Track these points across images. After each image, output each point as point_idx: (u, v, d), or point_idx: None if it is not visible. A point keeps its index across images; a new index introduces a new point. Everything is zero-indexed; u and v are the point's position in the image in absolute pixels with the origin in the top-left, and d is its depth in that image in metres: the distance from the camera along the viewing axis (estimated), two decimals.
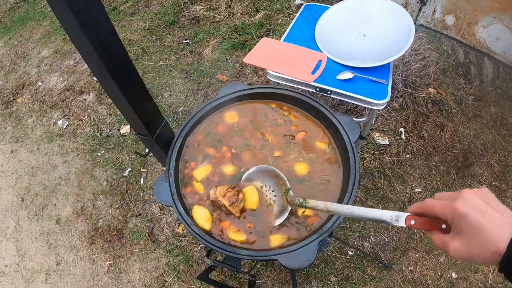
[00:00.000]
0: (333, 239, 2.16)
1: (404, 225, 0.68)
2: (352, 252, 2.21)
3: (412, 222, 0.67)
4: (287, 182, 1.08)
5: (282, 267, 2.13)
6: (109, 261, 2.25)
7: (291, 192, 1.07)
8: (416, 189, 2.37)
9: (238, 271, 1.16)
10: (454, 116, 2.57)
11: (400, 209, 2.26)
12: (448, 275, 2.08)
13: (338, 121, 1.20)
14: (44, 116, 2.82)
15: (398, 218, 0.69)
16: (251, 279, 1.37)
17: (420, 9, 2.92)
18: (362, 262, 2.17)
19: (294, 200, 1.01)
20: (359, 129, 1.22)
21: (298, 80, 1.62)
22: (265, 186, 1.14)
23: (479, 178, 2.36)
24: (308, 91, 1.66)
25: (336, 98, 1.64)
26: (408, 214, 0.68)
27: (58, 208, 2.46)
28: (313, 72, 1.64)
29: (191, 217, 1.09)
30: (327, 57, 1.71)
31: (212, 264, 1.38)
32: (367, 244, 2.22)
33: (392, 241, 2.23)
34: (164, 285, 2.15)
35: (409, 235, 2.23)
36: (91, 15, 0.90)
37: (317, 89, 1.61)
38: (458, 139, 2.49)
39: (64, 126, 2.70)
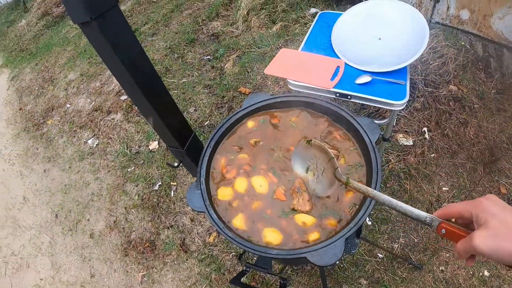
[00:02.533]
0: (362, 241, 2.16)
1: (435, 231, 0.69)
2: (382, 254, 2.20)
3: (443, 231, 0.68)
4: (332, 155, 1.08)
5: (313, 271, 2.16)
6: (143, 272, 2.32)
7: (338, 169, 1.07)
8: (444, 188, 2.34)
9: (269, 272, 1.20)
10: (477, 112, 2.54)
11: (428, 210, 2.24)
12: (481, 274, 2.05)
13: (358, 122, 1.23)
14: (74, 136, 2.95)
15: (432, 221, 0.70)
16: (282, 281, 1.41)
17: (434, 6, 2.92)
18: (392, 264, 2.16)
19: (341, 176, 1.04)
20: (379, 129, 1.25)
21: (318, 87, 1.67)
22: (312, 165, 1.16)
23: (507, 173, 2.31)
24: (329, 97, 1.70)
25: (357, 103, 1.67)
26: (441, 221, 0.69)
27: (92, 222, 2.56)
28: (332, 78, 1.68)
29: (222, 221, 1.13)
30: (345, 63, 1.75)
31: (244, 268, 1.42)
32: (397, 245, 2.21)
33: (421, 242, 2.21)
34: None
35: (438, 234, 2.21)
36: (121, 37, 0.98)
37: (337, 94, 1.65)
38: (483, 135, 2.45)
39: (94, 145, 2.82)
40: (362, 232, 2.25)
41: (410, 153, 2.48)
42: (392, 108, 1.61)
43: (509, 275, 2.03)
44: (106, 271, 2.44)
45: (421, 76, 2.76)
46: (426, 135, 2.54)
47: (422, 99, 2.67)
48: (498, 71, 2.69)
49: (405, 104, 1.63)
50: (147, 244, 2.34)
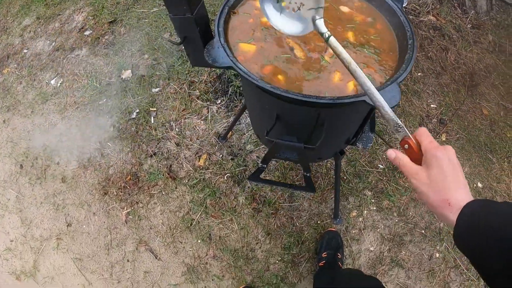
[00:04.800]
0: (375, 135, 2.07)
1: (399, 140, 0.72)
2: (382, 165, 2.09)
3: (406, 146, 0.71)
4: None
5: (317, 184, 2.00)
6: (126, 209, 2.07)
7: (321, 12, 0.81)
8: (432, 105, 2.37)
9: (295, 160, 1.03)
10: (455, 41, 2.63)
11: (420, 124, 2.28)
12: (474, 185, 2.09)
13: None
14: (34, 80, 2.62)
15: (402, 131, 0.71)
16: (307, 174, 1.22)
17: None
18: (394, 175, 2.08)
19: (321, 28, 0.80)
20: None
21: None
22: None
23: (487, 97, 2.42)
24: None
25: None
26: (409, 136, 0.70)
27: (62, 165, 2.26)
28: None
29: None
30: None
31: (261, 165, 1.23)
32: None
33: None
34: (191, 224, 1.98)
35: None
36: None
37: None
38: (463, 61, 2.55)
39: (58, 84, 2.51)
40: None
41: None
42: None
43: (499, 187, 2.09)
44: (84, 216, 2.15)
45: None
46: None
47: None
48: (472, 9, 2.80)
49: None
50: (129, 177, 2.08)
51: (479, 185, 2.10)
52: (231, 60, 0.93)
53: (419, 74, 2.49)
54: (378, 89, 0.80)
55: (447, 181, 0.62)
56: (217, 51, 0.97)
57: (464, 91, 2.45)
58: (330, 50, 0.98)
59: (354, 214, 1.99)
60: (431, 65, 2.54)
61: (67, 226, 2.17)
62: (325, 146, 1.26)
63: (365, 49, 1.01)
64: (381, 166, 2.10)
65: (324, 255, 1.78)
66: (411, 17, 2.73)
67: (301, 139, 1.04)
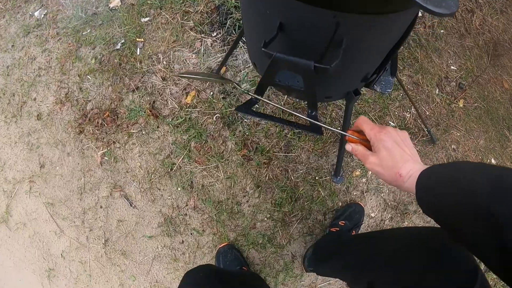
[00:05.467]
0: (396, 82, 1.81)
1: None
2: (393, 123, 1.83)
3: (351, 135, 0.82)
4: None
5: (317, 137, 1.73)
6: (102, 149, 1.84)
7: None
8: (452, 67, 2.13)
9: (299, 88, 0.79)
10: (482, 6, 2.37)
11: (437, 84, 2.05)
12: (488, 160, 1.92)
13: None
14: (18, 12, 2.39)
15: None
16: (312, 113, 0.95)
17: None
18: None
19: None
20: None
21: None
22: None
23: (509, 70, 2.21)
24: None
25: None
26: (345, 135, 0.83)
27: (39, 101, 2.04)
28: None
29: None
30: None
31: (254, 96, 0.95)
32: (408, 115, 1.90)
33: (433, 115, 1.95)
34: (172, 169, 1.74)
35: (449, 111, 1.99)
36: None
37: None
38: (488, 28, 2.33)
39: (42, 16, 2.27)
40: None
41: (420, 23, 2.23)
42: None
43: None
44: (57, 156, 1.94)
45: None
46: None
47: None
48: None
49: None
50: (107, 113, 1.84)
51: (493, 161, 1.90)
52: None
53: (442, 31, 2.22)
54: None
55: (395, 158, 0.70)
56: None
57: (487, 58, 2.22)
58: None
59: (357, 173, 1.72)
60: (455, 24, 2.27)
61: (40, 167, 1.96)
62: (339, 77, 0.98)
63: None
64: (392, 123, 1.83)
65: (341, 223, 1.59)
66: None
67: (310, 59, 0.77)
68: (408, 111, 1.90)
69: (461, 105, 2.00)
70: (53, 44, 2.14)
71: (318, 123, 0.92)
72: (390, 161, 0.70)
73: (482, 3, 2.37)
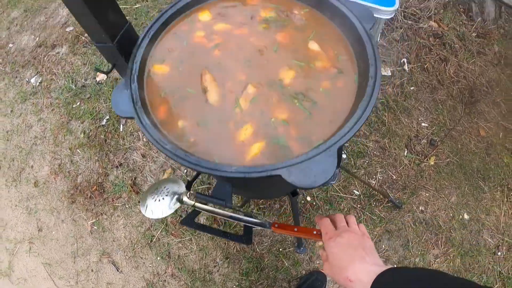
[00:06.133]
0: (341, 170, 1.92)
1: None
2: (358, 191, 1.97)
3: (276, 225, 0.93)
4: None
5: (282, 209, 1.91)
6: (92, 219, 2.05)
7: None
8: (423, 124, 2.18)
9: (228, 206, 0.92)
10: (457, 51, 2.41)
11: (406, 145, 2.10)
12: (460, 216, 1.94)
13: (347, 8, 0.91)
14: (16, 77, 2.60)
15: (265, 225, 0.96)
16: (245, 224, 1.13)
17: None
18: (370, 202, 1.95)
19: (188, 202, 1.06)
20: (374, 18, 0.94)
21: None
22: None
23: (486, 116, 2.21)
24: None
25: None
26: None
27: (35, 169, 2.25)
28: None
29: (158, 129, 0.83)
30: None
31: (194, 203, 1.14)
32: (374, 182, 2.00)
33: (400, 179, 2.02)
34: (152, 240, 1.94)
35: (418, 172, 2.03)
36: None
37: None
38: (463, 75, 2.34)
39: (37, 83, 2.47)
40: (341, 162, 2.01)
41: (388, 84, 2.30)
42: (379, 16, 1.33)
43: (488, 219, 1.94)
44: (53, 222, 2.15)
45: (400, 7, 2.57)
46: (406, 67, 2.31)
47: (401, 30, 2.47)
48: (479, 16, 2.55)
49: (394, 13, 1.35)
50: (95, 187, 2.05)
51: (466, 217, 1.94)
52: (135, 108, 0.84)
53: (412, 88, 2.28)
54: (299, 160, 0.69)
55: (343, 263, 0.70)
56: (123, 96, 0.87)
57: (461, 108, 2.24)
58: (249, 90, 0.88)
59: (320, 243, 1.89)
60: (426, 78, 2.32)
61: (38, 231, 2.18)
62: (262, 195, 1.16)
63: (296, 101, 0.86)
64: (356, 192, 1.98)
65: None
66: (410, 22, 2.50)
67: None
68: (373, 178, 2.00)
69: (432, 163, 2.05)
70: (47, 114, 2.34)
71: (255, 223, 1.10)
72: (337, 267, 0.70)
73: (458, 47, 2.42)
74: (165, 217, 1.12)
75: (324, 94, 0.85)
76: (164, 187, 1.36)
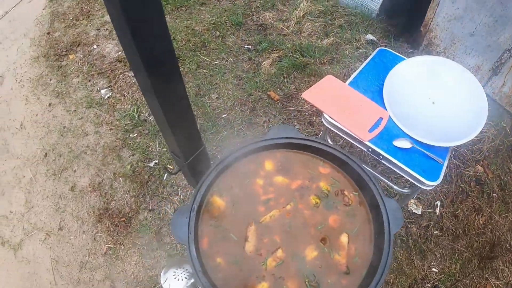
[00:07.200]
0: None
1: None
2: None
3: None
4: None
5: None
6: (110, 244, 2.23)
7: None
8: (433, 269, 2.20)
9: None
10: (493, 202, 2.39)
11: (410, 286, 2.12)
12: None
13: (384, 205, 1.09)
14: (90, 80, 2.83)
15: None
16: None
17: (490, 78, 2.73)
18: None
19: None
20: (403, 220, 1.11)
21: (352, 134, 1.52)
22: None
23: (499, 274, 2.18)
24: (360, 149, 1.56)
25: (385, 164, 1.53)
26: None
27: (77, 175, 2.46)
28: (371, 130, 1.53)
29: (201, 263, 1.01)
30: (389, 116, 1.60)
31: None
32: None
33: None
34: (155, 287, 2.10)
35: None
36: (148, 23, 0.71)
37: (370, 150, 1.51)
38: (491, 227, 2.31)
39: (106, 97, 2.69)
40: None
41: (415, 223, 2.32)
42: (421, 186, 1.47)
43: None
44: (75, 229, 2.34)
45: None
46: (437, 210, 2.39)
47: (447, 170, 2.51)
48: None
49: (434, 186, 1.49)
50: (124, 219, 2.24)
51: None
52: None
53: (436, 232, 2.30)
54: None
55: None
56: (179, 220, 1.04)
57: (476, 262, 2.20)
58: (278, 254, 1.05)
59: None
60: (453, 226, 2.30)
61: (59, 229, 2.37)
62: None
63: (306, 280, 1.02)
64: None
65: None
66: (457, 163, 2.51)
67: None
68: None
69: None
70: (105, 131, 2.55)
71: None
72: None
73: (495, 197, 2.40)
74: None
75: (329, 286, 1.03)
76: (186, 269, 1.57)
